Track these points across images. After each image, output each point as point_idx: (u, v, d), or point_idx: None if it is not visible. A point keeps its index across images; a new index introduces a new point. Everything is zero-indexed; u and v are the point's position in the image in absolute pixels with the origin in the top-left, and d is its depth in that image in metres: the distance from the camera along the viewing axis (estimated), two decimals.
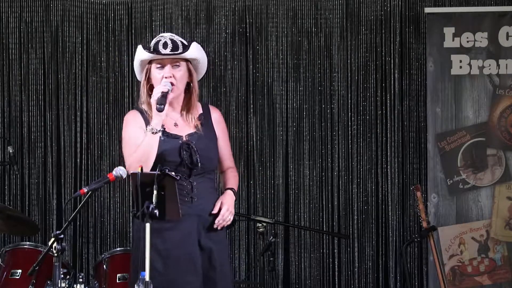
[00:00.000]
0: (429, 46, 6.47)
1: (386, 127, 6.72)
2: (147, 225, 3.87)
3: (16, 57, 6.80)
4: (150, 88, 4.38)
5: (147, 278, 3.84)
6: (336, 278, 6.71)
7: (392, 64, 6.73)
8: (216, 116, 4.52)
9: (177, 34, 4.51)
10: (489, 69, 6.40)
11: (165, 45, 4.32)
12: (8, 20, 6.81)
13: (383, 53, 6.75)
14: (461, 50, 6.42)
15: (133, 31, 6.80)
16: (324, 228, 6.73)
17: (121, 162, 6.60)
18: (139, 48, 4.37)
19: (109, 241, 6.75)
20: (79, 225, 6.75)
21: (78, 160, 6.77)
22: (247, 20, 6.81)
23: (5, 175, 6.77)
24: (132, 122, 4.37)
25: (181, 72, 4.35)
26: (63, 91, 6.79)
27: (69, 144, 6.76)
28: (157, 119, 4.22)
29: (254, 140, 6.76)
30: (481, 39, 6.41)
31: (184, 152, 4.31)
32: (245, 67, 6.80)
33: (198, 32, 6.77)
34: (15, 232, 6.19)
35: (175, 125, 4.38)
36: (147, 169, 4.15)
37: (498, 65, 6.40)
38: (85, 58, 6.81)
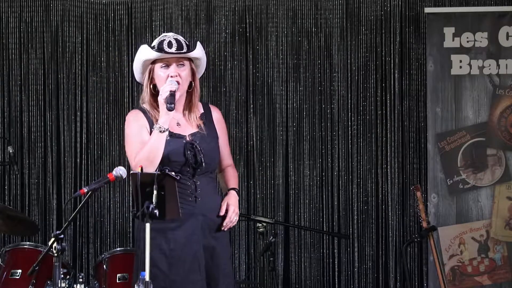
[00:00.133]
0: (429, 46, 6.47)
1: (386, 127, 6.72)
2: (147, 225, 3.88)
3: (16, 57, 6.80)
4: (153, 88, 4.38)
5: (147, 278, 3.84)
6: (336, 278, 6.71)
7: (392, 64, 6.73)
8: (217, 115, 4.52)
9: (177, 34, 4.51)
10: (489, 69, 6.40)
11: (170, 45, 4.32)
12: (8, 20, 6.81)
13: (383, 53, 6.75)
14: (461, 50, 6.42)
15: (133, 31, 6.80)
16: (324, 228, 6.73)
17: (121, 162, 6.69)
18: (144, 47, 4.36)
19: (109, 241, 6.75)
20: (79, 225, 6.75)
21: (78, 160, 6.77)
22: (247, 20, 6.81)
23: (5, 175, 6.77)
24: (135, 121, 4.37)
25: (185, 71, 4.35)
26: (63, 91, 6.79)
27: (69, 144, 6.76)
28: (165, 118, 4.22)
29: (254, 140, 6.76)
30: (481, 39, 6.41)
31: (188, 152, 4.31)
32: (245, 67, 6.80)
33: (198, 32, 6.77)
34: (15, 232, 6.19)
35: (177, 125, 4.38)
36: (154, 168, 4.15)
37: (498, 65, 6.40)
38: (85, 58, 6.81)
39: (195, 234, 4.30)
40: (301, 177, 6.75)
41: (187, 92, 4.40)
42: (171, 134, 4.29)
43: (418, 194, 5.76)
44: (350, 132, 6.75)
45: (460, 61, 6.42)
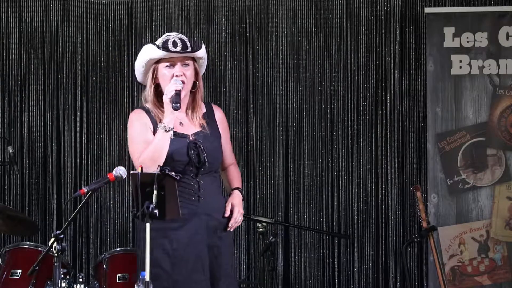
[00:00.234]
0: (429, 46, 6.47)
1: (386, 127, 6.72)
2: (147, 225, 3.88)
3: (16, 57, 6.80)
4: (156, 87, 4.38)
5: (147, 278, 3.84)
6: (336, 278, 6.71)
7: (392, 64, 6.73)
8: (219, 115, 4.53)
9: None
10: (489, 69, 6.40)
11: (175, 44, 4.32)
12: (8, 20, 6.81)
13: (383, 53, 6.75)
14: (461, 50, 6.42)
15: (133, 31, 6.80)
16: (324, 228, 6.73)
17: (121, 162, 6.69)
18: (150, 46, 4.34)
19: (109, 241, 6.75)
20: (79, 225, 6.75)
21: (78, 160, 6.77)
22: (247, 20, 6.81)
23: (5, 175, 6.77)
24: (138, 120, 4.37)
25: (190, 71, 4.35)
26: (63, 91, 6.79)
27: (69, 144, 6.76)
28: (170, 117, 4.22)
29: (254, 140, 6.76)
30: (481, 39, 6.41)
31: (192, 152, 4.31)
32: (245, 67, 6.80)
33: (198, 32, 6.76)
34: (15, 232, 6.18)
35: (180, 124, 4.38)
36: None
37: (498, 65, 6.40)
38: (85, 58, 6.81)
39: (198, 234, 4.30)
40: (301, 177, 6.75)
41: (191, 91, 4.40)
42: (175, 134, 4.29)
43: (418, 194, 5.76)
44: (350, 132, 6.75)
45: (460, 61, 6.42)
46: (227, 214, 4.40)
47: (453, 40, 6.43)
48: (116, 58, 6.80)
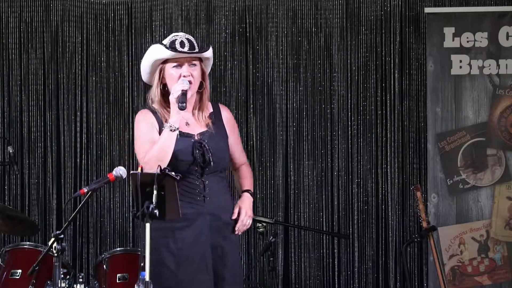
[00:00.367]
0: (429, 46, 6.47)
1: (386, 127, 6.72)
2: (147, 225, 3.88)
3: (16, 57, 6.80)
4: (162, 87, 4.38)
5: (147, 278, 3.84)
6: (336, 278, 6.71)
7: (392, 64, 6.73)
8: (226, 114, 4.52)
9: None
10: (489, 69, 6.40)
11: (182, 44, 4.32)
12: (8, 20, 6.81)
13: (383, 53, 6.75)
14: (461, 50, 6.42)
15: (133, 31, 6.80)
16: (324, 228, 6.73)
17: (121, 162, 6.69)
18: (157, 46, 4.33)
19: (109, 241, 6.75)
20: (79, 225, 6.75)
21: (78, 160, 6.77)
22: (247, 20, 6.81)
23: (5, 175, 6.77)
24: (144, 120, 4.37)
25: (197, 71, 4.35)
26: (63, 91, 6.79)
27: (69, 144, 6.76)
28: (176, 117, 4.22)
29: (254, 140, 6.76)
30: (481, 39, 6.41)
31: (197, 151, 4.31)
32: (245, 67, 6.80)
33: (198, 32, 6.77)
34: (15, 232, 6.18)
35: (186, 124, 4.37)
36: (163, 167, 4.13)
37: (498, 65, 6.40)
38: (85, 58, 6.81)
39: (203, 233, 4.30)
40: (301, 177, 6.75)
41: (197, 91, 4.40)
42: (180, 133, 4.28)
43: (418, 194, 5.76)
44: (350, 132, 6.75)
45: (460, 61, 6.42)
46: (234, 216, 4.39)
47: (453, 40, 6.43)
48: (116, 58, 6.80)
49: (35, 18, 6.81)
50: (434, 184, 6.40)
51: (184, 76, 4.30)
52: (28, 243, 5.65)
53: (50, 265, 4.31)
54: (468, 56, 6.41)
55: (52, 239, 4.12)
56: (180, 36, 4.36)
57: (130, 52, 6.76)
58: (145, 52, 4.44)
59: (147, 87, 4.38)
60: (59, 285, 4.25)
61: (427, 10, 6.55)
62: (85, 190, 4.16)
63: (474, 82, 6.41)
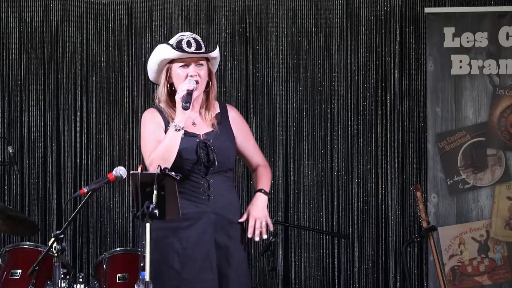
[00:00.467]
0: (429, 46, 6.47)
1: (386, 127, 6.72)
2: (147, 225, 3.88)
3: (16, 57, 6.80)
4: (169, 87, 4.37)
5: (147, 278, 3.84)
6: (336, 278, 6.71)
7: (392, 64, 6.73)
8: (233, 114, 4.52)
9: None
10: (489, 69, 6.40)
11: (189, 44, 4.32)
12: (8, 20, 6.81)
13: (383, 53, 6.75)
14: (461, 50, 6.42)
15: (133, 31, 6.80)
16: (324, 228, 6.72)
17: (121, 162, 6.69)
18: (164, 46, 4.33)
19: (109, 241, 6.75)
20: (79, 225, 6.75)
21: (78, 160, 6.77)
22: (247, 20, 6.81)
23: (5, 175, 6.77)
24: (151, 119, 4.37)
25: (204, 71, 4.36)
26: (63, 91, 6.79)
27: (69, 144, 6.76)
28: (181, 117, 4.21)
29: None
30: (481, 39, 6.41)
31: (201, 151, 4.30)
32: (245, 67, 6.80)
33: (198, 32, 6.75)
34: (15, 232, 6.18)
35: (192, 124, 4.37)
36: (168, 166, 4.12)
37: (498, 65, 6.40)
38: (85, 58, 6.81)
39: (206, 232, 4.29)
40: (301, 177, 6.75)
41: (204, 91, 4.40)
42: (186, 133, 4.28)
43: (418, 194, 5.76)
44: (350, 132, 6.75)
45: (460, 61, 6.42)
46: (242, 219, 4.40)
47: (453, 40, 6.43)
48: (116, 58, 6.80)
49: (35, 18, 6.81)
50: (434, 184, 6.40)
51: (191, 76, 4.30)
52: (28, 243, 5.65)
53: (50, 265, 4.31)
54: (468, 56, 6.41)
55: (52, 239, 4.12)
56: (187, 35, 4.35)
57: (130, 52, 6.75)
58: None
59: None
60: (59, 285, 4.25)
61: (427, 10, 6.55)
62: (85, 190, 4.16)
63: (474, 82, 6.41)
